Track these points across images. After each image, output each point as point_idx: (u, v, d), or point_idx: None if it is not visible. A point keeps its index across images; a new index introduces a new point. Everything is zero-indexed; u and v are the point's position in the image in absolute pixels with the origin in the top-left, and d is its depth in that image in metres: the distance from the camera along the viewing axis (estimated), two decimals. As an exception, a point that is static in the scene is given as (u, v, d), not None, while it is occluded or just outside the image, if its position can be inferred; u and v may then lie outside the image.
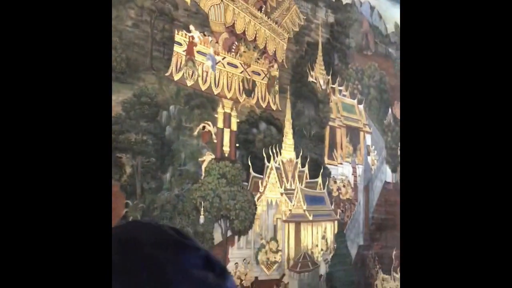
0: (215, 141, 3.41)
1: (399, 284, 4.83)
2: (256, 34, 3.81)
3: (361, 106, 4.91)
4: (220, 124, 3.46)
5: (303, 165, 4.07)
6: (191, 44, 3.31)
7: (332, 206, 4.33)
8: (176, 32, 3.23)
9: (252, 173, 3.65)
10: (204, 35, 3.41)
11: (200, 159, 3.30)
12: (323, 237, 4.19)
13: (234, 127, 3.55)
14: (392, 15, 5.50)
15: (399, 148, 5.02)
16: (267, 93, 3.84)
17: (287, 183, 3.91)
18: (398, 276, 4.88)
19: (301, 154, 4.06)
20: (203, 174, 3.30)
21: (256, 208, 3.61)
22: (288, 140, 3.99)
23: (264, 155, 3.76)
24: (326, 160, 4.37)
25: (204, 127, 3.34)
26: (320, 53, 4.45)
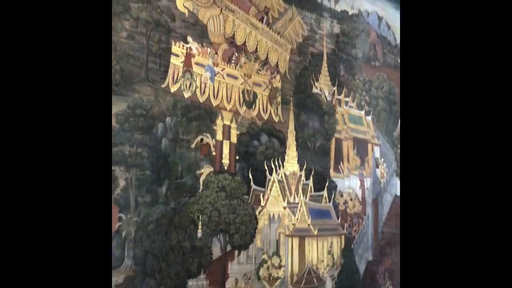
0: (214, 153, 3.34)
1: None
2: (257, 45, 3.76)
3: (369, 118, 4.80)
4: (219, 136, 3.40)
5: (307, 178, 3.97)
6: (189, 56, 3.27)
7: (339, 220, 4.21)
8: (173, 43, 3.20)
9: (253, 186, 3.57)
10: (203, 46, 3.37)
11: (198, 172, 3.24)
12: (329, 252, 4.06)
13: (234, 139, 3.49)
14: (401, 25, 5.41)
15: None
16: (269, 104, 3.77)
17: (291, 196, 3.81)
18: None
19: (305, 166, 3.96)
20: (201, 187, 3.23)
21: (257, 222, 3.51)
22: (291, 152, 3.90)
23: (266, 167, 3.67)
24: (332, 173, 4.27)
25: (202, 139, 3.28)
26: (325, 64, 4.37)
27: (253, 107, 3.66)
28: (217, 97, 3.41)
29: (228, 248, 3.34)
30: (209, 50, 3.40)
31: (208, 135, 3.33)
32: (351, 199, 4.39)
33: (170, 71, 3.17)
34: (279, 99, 3.87)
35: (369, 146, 4.75)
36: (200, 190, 3.22)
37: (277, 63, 3.91)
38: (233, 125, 3.50)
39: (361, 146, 4.64)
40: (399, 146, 5.07)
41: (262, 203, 3.61)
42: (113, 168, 2.79)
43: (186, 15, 3.30)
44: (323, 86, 4.30)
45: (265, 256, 3.57)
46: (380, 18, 5.20)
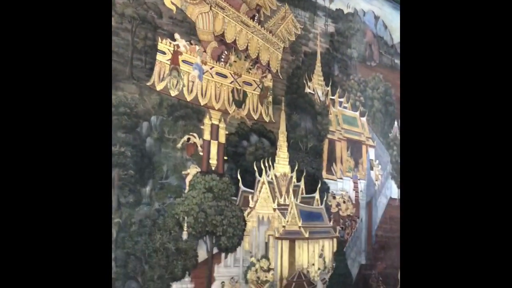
0: (201, 153, 3.27)
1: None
2: (248, 44, 3.68)
3: (363, 119, 4.72)
4: (206, 136, 3.32)
5: (298, 180, 3.89)
6: (176, 53, 3.19)
7: (331, 223, 4.13)
8: (159, 40, 3.13)
9: (242, 188, 3.49)
10: (191, 43, 3.30)
11: (184, 172, 3.16)
12: (321, 256, 3.98)
13: (222, 139, 3.41)
14: (398, 25, 5.32)
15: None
16: (259, 104, 3.69)
17: (281, 198, 3.73)
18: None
19: (296, 168, 3.88)
20: (187, 188, 3.15)
21: (245, 224, 3.44)
22: (282, 153, 3.82)
23: (256, 168, 3.59)
24: (325, 175, 4.19)
25: (189, 139, 3.21)
26: (318, 63, 4.29)
27: (243, 106, 3.58)
28: (205, 96, 3.34)
29: (215, 250, 3.27)
30: (197, 47, 3.33)
31: (195, 134, 3.25)
32: (344, 202, 4.31)
33: (156, 68, 3.09)
34: (270, 98, 3.79)
35: (364, 147, 4.66)
36: (186, 191, 3.14)
37: (268, 62, 3.83)
38: (222, 125, 3.42)
39: (355, 148, 4.56)
40: (394, 148, 4.99)
41: (251, 205, 3.53)
42: (94, 167, 2.73)
43: (174, 11, 3.22)
44: (316, 86, 4.22)
45: (253, 259, 3.50)
46: (376, 18, 5.12)
